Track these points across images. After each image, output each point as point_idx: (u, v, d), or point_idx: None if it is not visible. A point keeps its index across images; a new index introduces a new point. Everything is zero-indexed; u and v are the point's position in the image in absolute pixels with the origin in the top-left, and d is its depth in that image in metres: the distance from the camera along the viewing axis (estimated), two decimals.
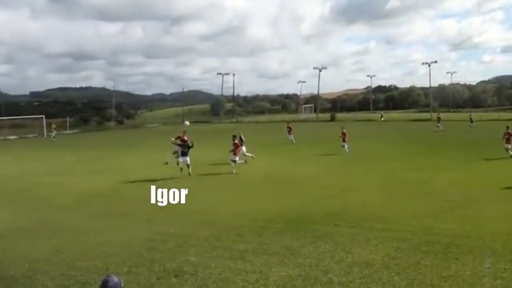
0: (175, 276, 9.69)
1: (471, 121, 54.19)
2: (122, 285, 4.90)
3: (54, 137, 53.70)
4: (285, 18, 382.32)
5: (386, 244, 11.39)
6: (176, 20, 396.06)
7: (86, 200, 18.04)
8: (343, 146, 32.35)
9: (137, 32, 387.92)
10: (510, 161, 26.06)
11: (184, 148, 23.40)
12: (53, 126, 56.82)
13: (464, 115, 73.28)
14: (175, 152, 25.05)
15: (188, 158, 23.17)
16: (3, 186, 21.96)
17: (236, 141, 25.49)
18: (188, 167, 23.14)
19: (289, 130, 41.54)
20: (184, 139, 24.67)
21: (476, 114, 58.54)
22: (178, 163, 23.61)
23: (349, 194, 17.86)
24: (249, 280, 9.31)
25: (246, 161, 27.08)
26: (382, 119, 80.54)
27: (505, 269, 9.56)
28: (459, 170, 22.96)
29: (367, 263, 10.07)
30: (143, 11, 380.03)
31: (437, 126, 51.65)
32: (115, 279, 4.89)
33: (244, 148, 27.96)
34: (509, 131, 28.03)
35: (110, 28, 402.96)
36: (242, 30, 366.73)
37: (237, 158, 25.01)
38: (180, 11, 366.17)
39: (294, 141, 40.30)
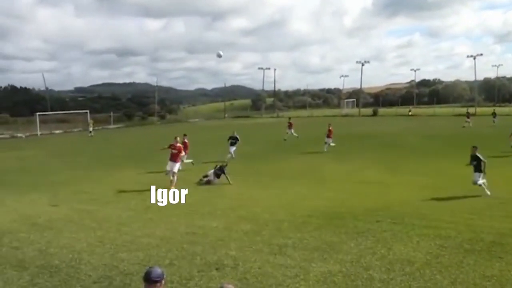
0: (216, 269, 9.79)
1: (494, 116, 52.67)
2: (165, 276, 4.98)
3: (91, 133, 54.19)
4: (327, 12, 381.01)
5: (428, 241, 11.23)
6: (218, 15, 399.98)
7: (128, 194, 18.35)
8: (326, 143, 31.46)
9: (179, 28, 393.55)
10: None
11: (232, 140, 26.04)
12: (91, 121, 57.37)
13: (509, 109, 71.51)
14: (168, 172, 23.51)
15: (234, 148, 25.74)
16: (47, 178, 22.57)
17: (185, 140, 24.25)
18: (233, 155, 25.12)
19: (290, 125, 41.18)
20: (179, 146, 20.22)
21: (496, 109, 57.13)
22: (166, 173, 20.03)
23: (389, 190, 17.66)
24: (288, 275, 9.33)
25: (232, 156, 27.46)
26: (410, 113, 79.56)
27: None
28: (503, 167, 22.36)
29: (408, 261, 9.95)
30: (185, 7, 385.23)
31: (466, 121, 50.55)
32: (158, 270, 4.98)
33: (233, 148, 27.86)
34: None
35: (153, 24, 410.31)
36: (284, 24, 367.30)
37: (184, 158, 23.00)
38: (222, 6, 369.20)
39: (297, 136, 39.98)
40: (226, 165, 20.75)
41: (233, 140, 28.00)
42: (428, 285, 8.72)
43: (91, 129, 54.94)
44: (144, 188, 18.82)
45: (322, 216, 13.91)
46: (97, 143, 43.67)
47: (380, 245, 11.04)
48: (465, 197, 16.13)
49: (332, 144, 31.53)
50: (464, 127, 48.85)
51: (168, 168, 19.64)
